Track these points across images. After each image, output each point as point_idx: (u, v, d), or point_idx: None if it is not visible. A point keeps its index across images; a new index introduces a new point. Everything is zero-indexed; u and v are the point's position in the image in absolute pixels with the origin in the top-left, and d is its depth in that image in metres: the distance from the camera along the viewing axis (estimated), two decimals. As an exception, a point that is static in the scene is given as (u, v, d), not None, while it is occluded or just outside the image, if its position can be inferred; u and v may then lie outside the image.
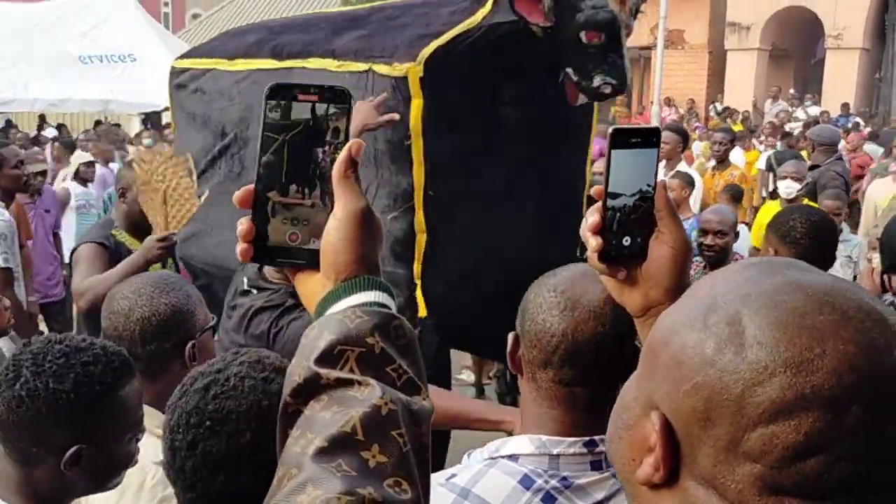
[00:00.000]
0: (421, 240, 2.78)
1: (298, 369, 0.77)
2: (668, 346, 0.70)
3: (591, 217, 1.01)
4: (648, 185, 1.02)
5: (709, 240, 4.06)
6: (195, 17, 32.88)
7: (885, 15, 19.43)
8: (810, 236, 2.46)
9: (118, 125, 14.09)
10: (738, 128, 15.78)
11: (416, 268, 2.79)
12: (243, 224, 0.86)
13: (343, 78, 2.78)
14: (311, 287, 0.86)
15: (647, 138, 1.02)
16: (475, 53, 2.76)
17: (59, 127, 13.93)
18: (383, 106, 2.52)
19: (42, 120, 15.44)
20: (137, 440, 1.53)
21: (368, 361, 0.76)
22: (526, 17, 2.62)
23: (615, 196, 1.01)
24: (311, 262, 0.85)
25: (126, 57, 13.05)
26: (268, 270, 2.32)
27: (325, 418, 0.71)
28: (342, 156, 0.85)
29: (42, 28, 12.69)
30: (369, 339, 0.76)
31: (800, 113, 16.49)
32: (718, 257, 3.94)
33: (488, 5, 2.78)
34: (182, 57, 3.70)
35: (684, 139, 7.10)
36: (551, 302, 1.25)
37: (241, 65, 3.28)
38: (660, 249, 1.02)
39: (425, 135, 2.67)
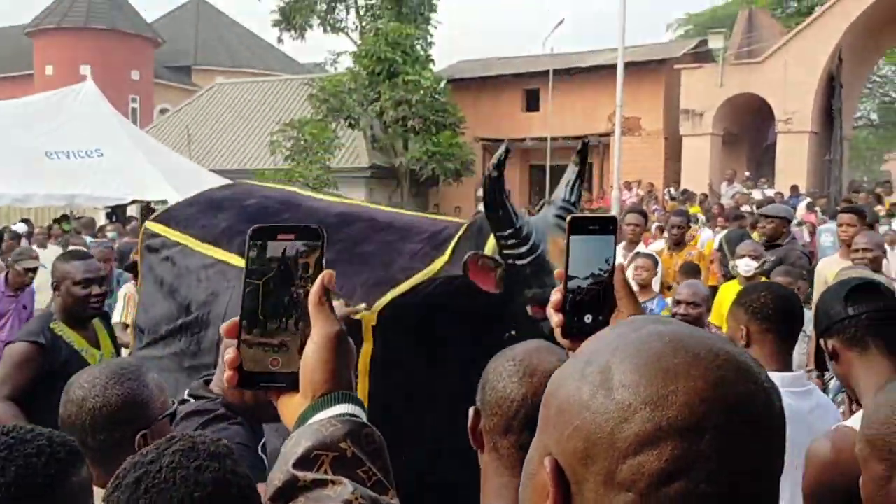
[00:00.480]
0: None
1: (278, 474, 0.85)
2: (555, 398, 0.79)
3: (554, 296, 1.13)
4: (605, 269, 1.13)
5: (682, 309, 4.36)
6: (163, 111, 33.29)
7: (830, 100, 20.25)
8: (782, 311, 2.54)
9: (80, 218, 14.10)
10: (695, 210, 16.22)
11: None
12: (230, 353, 0.95)
13: None
14: (291, 407, 0.94)
15: (605, 226, 1.13)
16: (429, 303, 2.83)
17: (25, 221, 13.92)
18: None
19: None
20: None
21: (341, 464, 0.84)
22: (479, 285, 2.70)
23: (573, 278, 1.12)
24: (291, 384, 0.94)
25: (93, 152, 13.18)
26: (213, 382, 2.27)
27: None
28: (316, 285, 0.94)
29: (11, 124, 12.80)
30: (342, 444, 0.85)
31: (756, 194, 16.97)
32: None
33: (446, 255, 2.87)
34: (157, 220, 3.77)
35: (645, 221, 7.37)
36: (510, 370, 1.34)
37: (210, 251, 3.35)
38: None
39: (371, 375, 2.75)
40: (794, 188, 18.07)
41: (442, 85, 22.09)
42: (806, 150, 20.12)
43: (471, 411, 1.40)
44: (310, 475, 0.83)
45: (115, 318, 6.02)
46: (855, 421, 1.77)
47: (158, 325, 3.49)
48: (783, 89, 19.87)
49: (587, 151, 3.08)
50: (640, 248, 6.94)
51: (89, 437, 1.85)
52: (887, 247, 7.05)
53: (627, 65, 18.29)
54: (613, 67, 18.06)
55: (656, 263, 6.11)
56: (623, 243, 7.07)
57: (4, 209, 14.11)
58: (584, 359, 0.79)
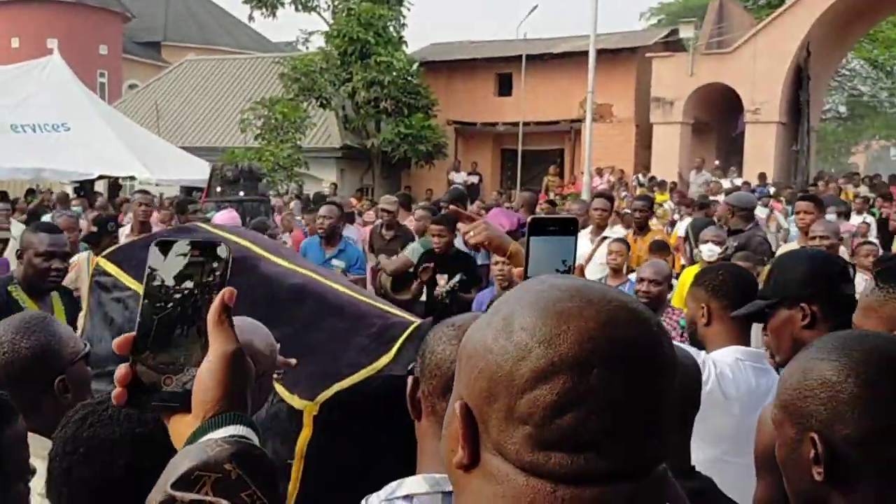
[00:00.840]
0: None
1: (156, 494, 0.82)
2: (465, 348, 0.85)
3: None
4: (564, 270, 1.16)
5: (644, 287, 4.57)
6: (132, 87, 32.89)
7: (798, 92, 20.53)
8: (740, 289, 2.62)
9: (51, 192, 13.95)
10: (663, 198, 16.41)
11: None
12: (121, 369, 0.92)
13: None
14: (182, 427, 0.91)
15: (565, 227, 1.16)
16: (368, 397, 2.93)
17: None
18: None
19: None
20: (26, 482, 1.49)
21: (224, 486, 0.82)
22: None
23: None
24: (184, 404, 0.91)
25: (59, 126, 13.03)
26: None
27: None
28: (216, 303, 0.92)
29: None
30: (226, 465, 0.82)
31: (726, 183, 17.21)
32: (653, 305, 4.19)
33: (391, 353, 2.95)
34: (109, 258, 3.75)
35: (612, 206, 7.47)
36: (449, 334, 1.39)
37: None
38: None
39: (307, 459, 2.83)
40: (762, 176, 18.35)
41: (415, 67, 22.05)
42: (773, 140, 20.41)
43: (409, 381, 1.44)
44: (188, 496, 0.81)
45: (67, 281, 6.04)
46: None
47: (105, 361, 3.49)
48: (752, 80, 20.11)
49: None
50: (607, 232, 7.04)
51: (8, 390, 1.83)
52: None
53: (599, 52, 18.39)
54: (586, 54, 18.16)
55: (629, 248, 6.22)
56: (590, 228, 7.16)
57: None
58: (492, 310, 0.85)
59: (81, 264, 6.19)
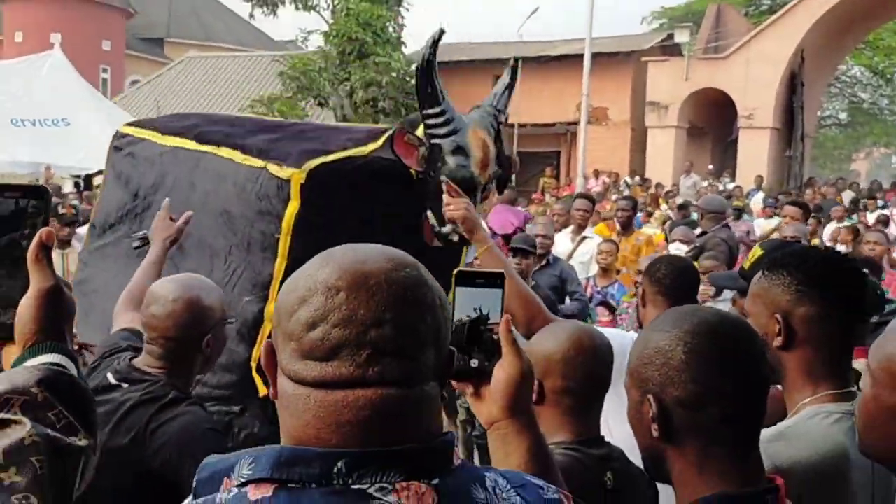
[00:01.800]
0: (266, 327, 2.96)
1: None
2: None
3: None
4: (491, 320, 1.25)
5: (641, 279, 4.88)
6: (134, 83, 33.04)
7: (792, 97, 20.68)
8: (673, 277, 2.91)
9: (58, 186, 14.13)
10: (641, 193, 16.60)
11: (255, 352, 2.95)
12: None
13: (243, 169, 3.14)
14: (9, 357, 1.02)
15: (492, 280, 1.26)
16: (355, 175, 3.06)
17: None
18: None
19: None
20: None
21: (30, 407, 0.92)
22: (402, 158, 2.92)
23: (460, 324, 1.23)
24: (9, 335, 1.01)
25: (59, 121, 13.22)
26: (142, 360, 2.23)
27: None
28: (35, 241, 1.01)
29: (-26, 91, 12.82)
30: (33, 388, 0.93)
31: (720, 187, 17.38)
32: None
33: (380, 142, 3.12)
34: (129, 124, 3.99)
35: (593, 206, 7.71)
36: None
37: (170, 141, 3.54)
38: (499, 374, 1.25)
39: (294, 234, 2.92)
40: (759, 178, 18.45)
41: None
42: (767, 145, 20.54)
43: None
44: None
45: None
46: None
47: (109, 214, 3.65)
48: (746, 85, 20.23)
49: (518, 67, 3.40)
50: (587, 232, 7.24)
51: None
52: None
53: (595, 55, 18.56)
54: (582, 57, 18.33)
55: (618, 249, 6.43)
56: (571, 227, 7.36)
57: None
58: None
59: (70, 254, 6.40)
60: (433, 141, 2.96)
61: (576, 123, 21.15)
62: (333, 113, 21.46)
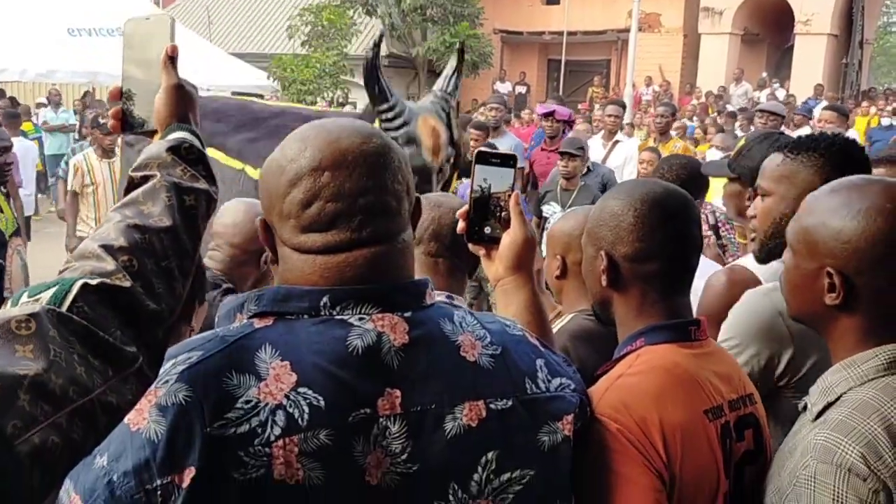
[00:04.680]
0: None
1: (129, 175, 1.17)
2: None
3: (463, 207, 1.49)
4: (504, 193, 1.47)
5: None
6: (184, -8, 33.00)
7: (852, 2, 19.96)
8: (675, 174, 3.23)
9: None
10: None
11: None
12: (115, 108, 1.34)
13: (227, 169, 3.42)
14: (154, 139, 1.28)
15: (505, 160, 1.47)
16: None
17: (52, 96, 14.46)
18: None
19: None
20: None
21: (163, 166, 1.16)
22: None
23: (477, 196, 1.46)
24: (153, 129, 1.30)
25: (114, 31, 13.44)
26: (207, 262, 2.53)
27: (128, 196, 1.14)
28: (164, 56, 1.31)
29: (32, 1, 13.08)
30: (164, 154, 1.18)
31: (763, 96, 17.01)
32: None
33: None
34: None
35: (623, 112, 7.87)
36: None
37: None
38: (507, 240, 1.48)
39: None
40: (820, 87, 17.93)
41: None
42: (823, 52, 19.98)
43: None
44: (139, 173, 1.15)
45: (69, 185, 6.57)
46: (745, 260, 2.19)
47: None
48: (803, -11, 19.61)
49: (464, 51, 3.73)
50: (619, 137, 7.40)
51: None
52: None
53: (648, -41, 18.07)
54: (634, -39, 17.91)
55: (659, 157, 6.59)
56: (602, 132, 7.53)
57: (30, 84, 14.56)
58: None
59: (80, 165, 6.60)
60: (389, 134, 3.28)
61: (626, 31, 20.75)
62: (381, 21, 21.34)
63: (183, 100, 1.29)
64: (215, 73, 14.02)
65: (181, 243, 1.10)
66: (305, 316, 1.10)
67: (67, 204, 6.54)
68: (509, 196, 1.47)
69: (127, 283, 0.98)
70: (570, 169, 5.90)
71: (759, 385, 1.64)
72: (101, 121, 6.72)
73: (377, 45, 3.31)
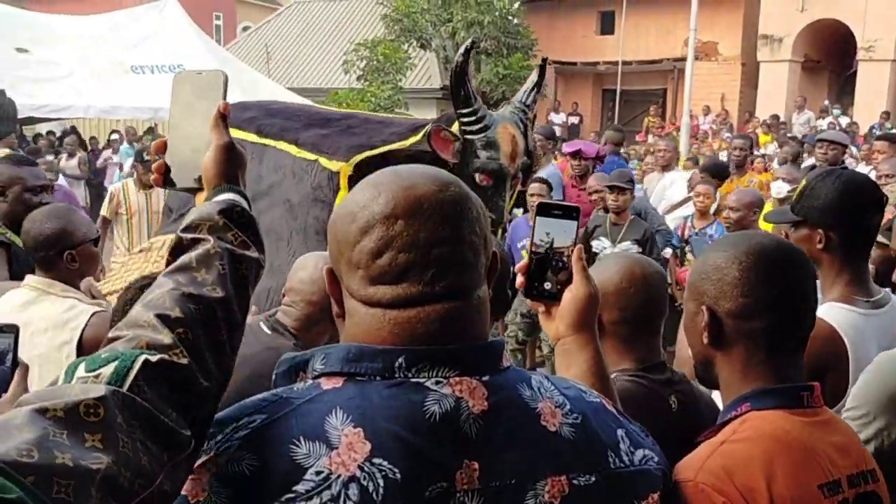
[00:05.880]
0: None
1: (172, 236, 1.14)
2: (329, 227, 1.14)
3: (522, 261, 1.39)
4: (567, 247, 1.38)
5: (725, 213, 5.35)
6: (245, 29, 33.85)
7: (917, 27, 19.48)
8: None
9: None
10: (766, 139, 16.03)
11: None
12: (159, 162, 1.30)
13: (299, 161, 3.50)
14: (200, 200, 1.24)
15: (568, 213, 1.38)
16: (396, 162, 3.44)
17: (113, 132, 14.82)
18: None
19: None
20: None
21: (214, 229, 1.13)
22: (439, 152, 3.28)
23: (538, 251, 1.37)
24: (201, 185, 1.27)
25: (175, 67, 13.77)
26: (280, 317, 2.51)
27: (180, 260, 1.10)
28: (215, 113, 1.27)
29: (96, 39, 13.46)
30: (216, 216, 1.14)
31: (823, 123, 16.64)
32: (735, 230, 4.78)
33: (419, 136, 3.44)
34: None
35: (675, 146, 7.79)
36: None
37: (234, 133, 3.95)
38: (569, 296, 1.37)
39: None
40: (886, 114, 17.47)
41: (515, 6, 21.95)
42: (887, 79, 19.51)
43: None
44: (189, 236, 1.12)
45: (103, 210, 6.72)
46: (821, 310, 1.98)
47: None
48: (865, 15, 19.17)
49: (545, 66, 3.78)
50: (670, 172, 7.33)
51: (35, 253, 2.74)
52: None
53: (704, -12, 17.92)
54: (690, -10, 17.75)
55: (716, 191, 6.44)
56: (658, 168, 7.45)
57: (94, 121, 14.98)
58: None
59: (116, 192, 6.73)
60: (466, 137, 3.34)
61: (683, 59, 20.56)
62: (436, 55, 21.54)
63: (233, 160, 1.26)
64: (272, 107, 14.25)
65: (233, 315, 1.07)
66: (378, 378, 1.02)
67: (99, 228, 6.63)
68: (572, 250, 1.38)
69: (184, 361, 0.96)
70: (620, 203, 5.81)
71: (883, 463, 1.51)
72: (146, 157, 6.79)
73: (468, 51, 3.38)
